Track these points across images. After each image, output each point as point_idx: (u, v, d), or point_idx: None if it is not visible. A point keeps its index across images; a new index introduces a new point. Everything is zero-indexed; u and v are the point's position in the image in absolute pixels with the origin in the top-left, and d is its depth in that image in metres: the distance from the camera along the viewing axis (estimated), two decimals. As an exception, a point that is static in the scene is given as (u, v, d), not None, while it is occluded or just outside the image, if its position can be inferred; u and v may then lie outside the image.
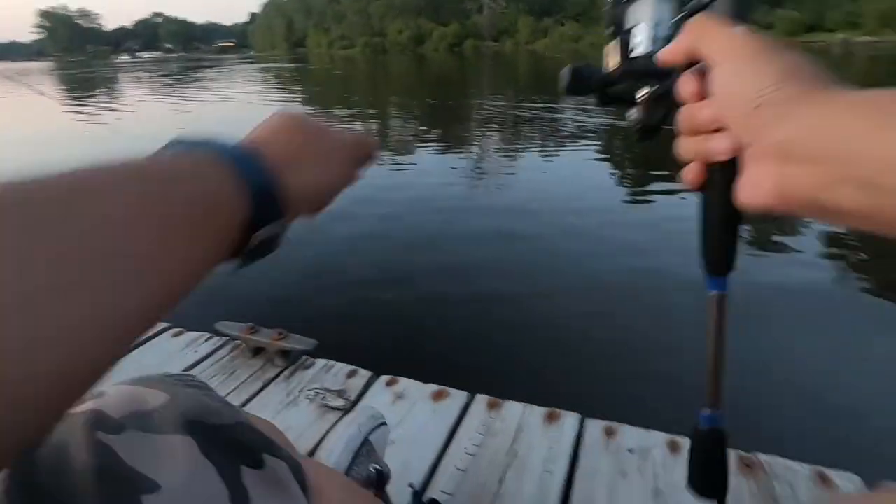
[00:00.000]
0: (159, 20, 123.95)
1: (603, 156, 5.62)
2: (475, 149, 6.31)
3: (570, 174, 4.93)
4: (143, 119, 9.72)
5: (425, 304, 2.31)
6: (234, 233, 0.25)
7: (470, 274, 2.66)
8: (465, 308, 2.26)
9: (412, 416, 1.15)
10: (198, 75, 25.89)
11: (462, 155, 5.96)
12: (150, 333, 1.53)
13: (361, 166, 0.38)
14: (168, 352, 1.46)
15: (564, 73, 0.42)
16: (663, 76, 0.36)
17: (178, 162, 0.24)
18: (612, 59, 0.40)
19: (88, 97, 15.41)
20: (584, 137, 6.52)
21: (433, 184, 4.62)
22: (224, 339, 1.49)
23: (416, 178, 4.82)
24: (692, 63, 0.31)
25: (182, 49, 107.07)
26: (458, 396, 1.20)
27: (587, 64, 0.42)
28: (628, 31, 0.39)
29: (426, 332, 2.08)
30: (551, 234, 3.21)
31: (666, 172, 4.58)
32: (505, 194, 4.33)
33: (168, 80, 22.59)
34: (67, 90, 18.73)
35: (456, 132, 7.63)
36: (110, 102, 13.73)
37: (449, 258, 2.87)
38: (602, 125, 7.20)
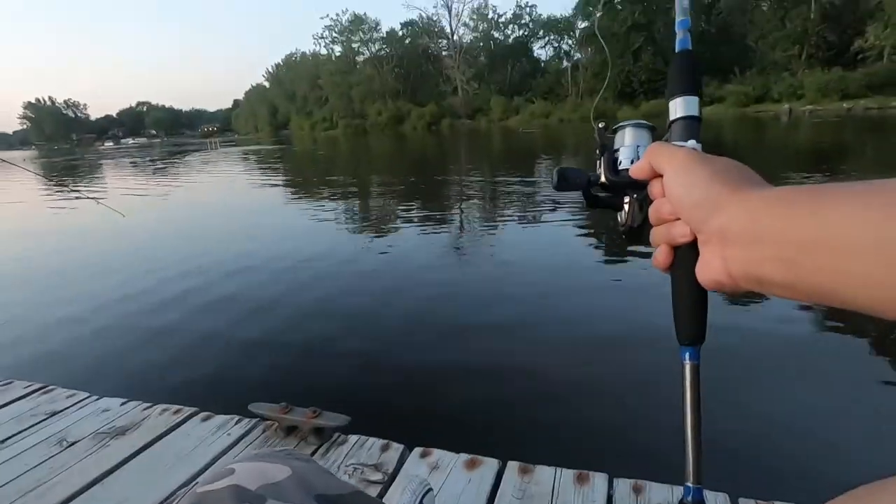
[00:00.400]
0: (144, 109, 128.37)
1: (580, 225, 5.92)
2: (465, 222, 6.59)
3: (560, 242, 5.17)
4: (130, 203, 9.89)
5: (445, 375, 2.38)
6: None
7: (480, 344, 2.75)
8: (483, 377, 2.34)
9: (449, 486, 1.21)
10: (181, 160, 26.56)
11: (454, 229, 6.22)
12: (178, 420, 1.58)
13: None
14: (199, 437, 1.50)
15: (553, 173, 0.53)
16: (641, 187, 0.45)
17: None
18: (601, 171, 0.51)
19: (80, 180, 15.63)
20: (559, 208, 6.84)
21: (425, 260, 4.80)
22: (253, 420, 1.54)
23: (410, 255, 5.00)
24: (657, 174, 0.40)
25: (166, 134, 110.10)
26: (490, 464, 1.27)
27: (572, 167, 0.53)
28: (614, 151, 0.50)
29: (449, 401, 2.13)
30: (548, 301, 3.36)
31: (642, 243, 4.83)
32: (499, 263, 4.51)
33: (152, 165, 23.12)
34: (58, 175, 18.97)
35: (445, 207, 7.97)
36: (91, 184, 13.95)
37: (457, 331, 2.97)
38: (574, 197, 7.60)
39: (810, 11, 32.71)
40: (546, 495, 1.15)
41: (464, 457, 1.30)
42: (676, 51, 0.47)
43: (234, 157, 25.73)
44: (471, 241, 5.58)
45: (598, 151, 0.51)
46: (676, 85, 0.46)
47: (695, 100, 0.45)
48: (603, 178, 0.50)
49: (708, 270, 0.34)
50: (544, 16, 53.97)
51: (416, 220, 6.87)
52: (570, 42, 51.17)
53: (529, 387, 2.23)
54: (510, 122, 43.14)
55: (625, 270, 4.11)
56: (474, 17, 56.70)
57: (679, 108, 0.45)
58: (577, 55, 48.87)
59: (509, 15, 56.11)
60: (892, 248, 0.22)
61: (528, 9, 55.30)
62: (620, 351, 2.55)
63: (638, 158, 0.47)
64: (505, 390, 2.20)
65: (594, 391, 2.17)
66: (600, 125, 0.52)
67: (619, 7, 40.01)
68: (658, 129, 0.49)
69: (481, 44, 56.65)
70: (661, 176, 0.40)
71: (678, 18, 0.48)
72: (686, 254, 0.38)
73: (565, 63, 51.18)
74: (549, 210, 6.82)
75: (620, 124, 0.51)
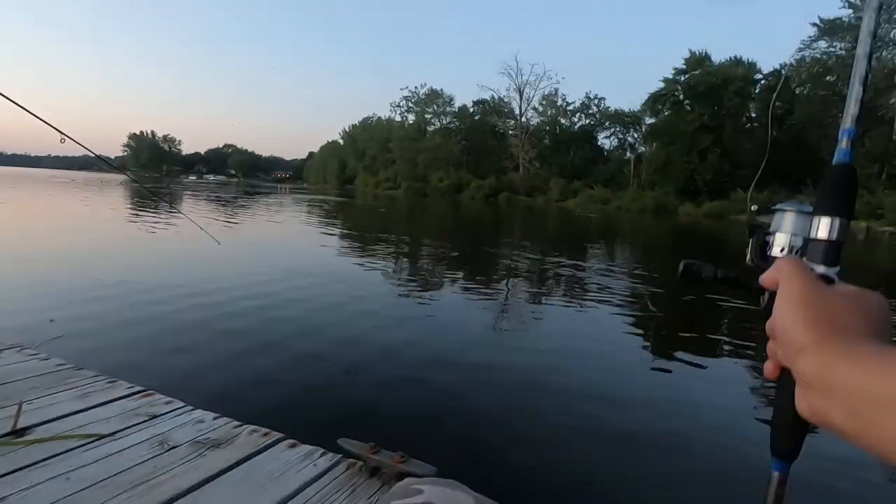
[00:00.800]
0: (229, 150, 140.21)
1: (624, 316, 5.78)
2: (516, 296, 6.62)
3: (593, 328, 5.07)
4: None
5: (535, 439, 2.37)
6: None
7: (581, 415, 2.75)
8: (582, 447, 2.31)
9: (537, 557, 1.19)
10: (258, 200, 28.47)
11: (509, 300, 6.25)
12: (267, 442, 1.66)
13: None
14: (286, 462, 1.56)
15: (681, 265, 0.54)
16: None
17: None
18: (749, 253, 0.50)
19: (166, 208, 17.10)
20: (606, 297, 6.71)
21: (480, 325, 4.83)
22: (338, 455, 1.59)
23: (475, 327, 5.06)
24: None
25: (244, 175, 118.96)
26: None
27: (699, 261, 0.54)
28: (767, 234, 0.50)
29: (544, 466, 2.10)
30: (601, 389, 3.27)
31: (686, 342, 4.68)
32: (559, 338, 4.47)
33: (233, 203, 24.94)
34: (143, 201, 20.84)
35: (492, 277, 8.05)
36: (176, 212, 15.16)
37: (538, 397, 2.98)
38: (625, 287, 7.49)
39: (891, 133, 32.09)
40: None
41: None
42: (834, 162, 0.43)
43: (304, 204, 27.33)
44: (535, 317, 5.58)
45: (748, 233, 0.51)
46: (826, 201, 0.42)
47: (841, 222, 0.41)
48: (748, 261, 0.51)
49: (799, 402, 0.35)
50: (612, 108, 55.75)
51: (483, 288, 6.96)
52: (634, 135, 52.32)
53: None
54: (568, 204, 43.63)
55: (670, 374, 3.93)
56: (543, 102, 59.50)
57: (822, 227, 0.42)
58: (642, 148, 49.67)
59: (577, 104, 58.42)
60: None
61: (596, 100, 57.50)
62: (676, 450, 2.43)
63: (792, 249, 0.47)
64: (605, 465, 2.14)
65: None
66: (753, 208, 0.53)
67: (689, 108, 40.82)
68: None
69: (547, 127, 58.89)
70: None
71: (844, 126, 0.43)
72: (790, 375, 0.37)
73: (628, 154, 52.05)
74: (599, 298, 6.73)
75: (782, 206, 0.50)
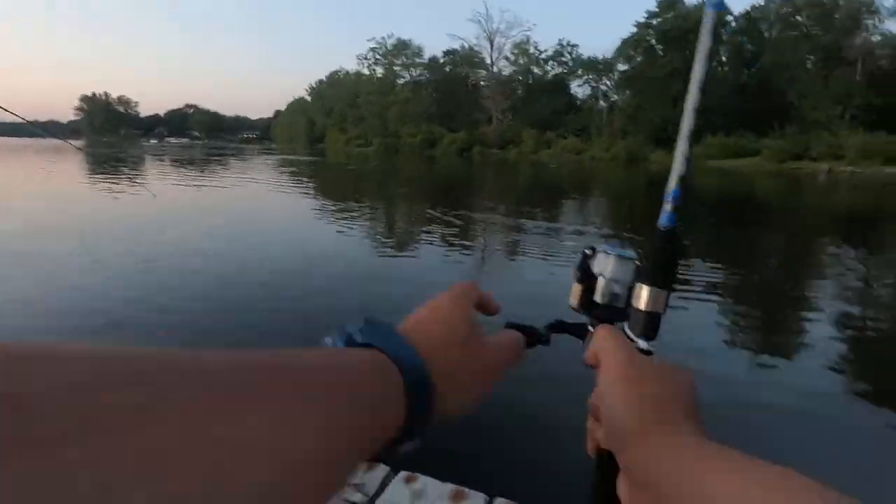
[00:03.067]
0: (191, 111, 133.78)
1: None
2: (478, 252, 6.58)
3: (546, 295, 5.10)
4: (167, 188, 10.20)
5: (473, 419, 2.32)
6: (386, 436, 0.26)
7: None
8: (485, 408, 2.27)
9: (431, 517, 1.15)
10: (230, 162, 27.43)
11: (465, 256, 6.21)
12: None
13: (506, 370, 0.37)
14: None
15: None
16: (609, 319, 0.42)
17: (351, 364, 0.25)
18: (574, 298, 0.46)
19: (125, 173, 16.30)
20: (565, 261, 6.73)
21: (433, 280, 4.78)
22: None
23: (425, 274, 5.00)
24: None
25: (207, 137, 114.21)
26: (476, 498, 1.21)
27: (523, 323, 0.45)
28: (593, 279, 0.45)
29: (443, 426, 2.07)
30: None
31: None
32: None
33: (201, 165, 23.95)
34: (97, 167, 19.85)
35: (459, 234, 7.98)
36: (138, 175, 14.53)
37: None
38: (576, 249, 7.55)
39: (855, 74, 32.42)
40: (531, 539, 1.08)
41: (450, 487, 1.24)
42: (662, 227, 0.41)
43: (273, 165, 26.49)
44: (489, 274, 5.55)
45: (578, 277, 0.47)
46: (650, 271, 0.40)
47: (661, 295, 0.40)
48: (574, 305, 0.46)
49: (620, 487, 0.34)
50: (585, 55, 54.66)
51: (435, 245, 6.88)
52: (607, 83, 51.69)
53: (527, 423, 2.15)
54: (541, 156, 43.42)
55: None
56: (515, 51, 57.93)
57: (644, 298, 0.40)
58: (614, 96, 49.26)
59: (550, 52, 57.06)
60: None
61: (569, 48, 56.22)
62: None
63: (614, 294, 0.44)
64: (503, 422, 2.13)
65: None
66: (587, 251, 0.48)
67: (661, 53, 40.31)
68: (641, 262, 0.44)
69: (520, 77, 57.66)
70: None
71: (669, 187, 0.41)
72: (611, 457, 0.34)
73: (601, 103, 51.58)
74: (564, 257, 6.76)
75: (603, 249, 0.46)
